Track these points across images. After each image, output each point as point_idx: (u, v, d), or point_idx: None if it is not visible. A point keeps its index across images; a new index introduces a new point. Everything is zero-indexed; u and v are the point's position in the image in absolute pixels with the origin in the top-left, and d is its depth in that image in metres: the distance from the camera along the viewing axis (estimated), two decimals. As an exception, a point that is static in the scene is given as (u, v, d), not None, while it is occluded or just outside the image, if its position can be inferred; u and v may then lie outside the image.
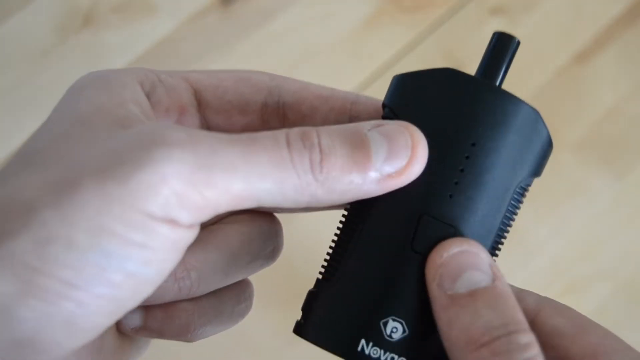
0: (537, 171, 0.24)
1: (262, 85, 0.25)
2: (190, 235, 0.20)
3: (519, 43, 0.24)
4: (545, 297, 0.23)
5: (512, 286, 0.22)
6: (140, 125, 0.21)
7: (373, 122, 0.22)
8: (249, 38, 0.54)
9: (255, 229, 0.24)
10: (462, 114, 0.22)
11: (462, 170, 0.22)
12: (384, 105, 0.24)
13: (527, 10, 0.55)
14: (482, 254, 0.21)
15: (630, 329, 0.48)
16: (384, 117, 0.23)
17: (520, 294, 0.22)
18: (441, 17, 0.55)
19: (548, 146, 0.23)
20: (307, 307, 0.23)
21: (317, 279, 0.23)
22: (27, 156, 0.21)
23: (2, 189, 0.20)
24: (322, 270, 0.23)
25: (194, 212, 0.19)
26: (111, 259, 0.19)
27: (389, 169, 0.21)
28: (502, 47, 0.24)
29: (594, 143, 0.51)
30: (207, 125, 0.25)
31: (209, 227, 0.24)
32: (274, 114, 0.25)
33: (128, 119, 0.21)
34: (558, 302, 0.22)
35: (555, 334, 0.21)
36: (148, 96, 0.24)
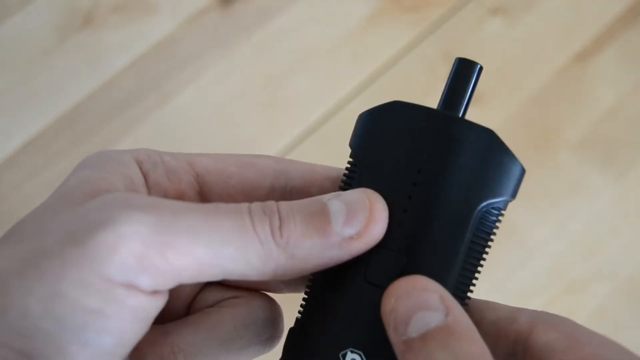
0: (504, 193, 0.22)
1: (268, 169, 0.25)
2: (153, 304, 0.19)
3: (480, 69, 0.24)
4: (541, 312, 0.22)
5: (505, 306, 0.22)
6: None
7: (332, 193, 0.22)
8: (249, 38, 0.54)
9: (251, 314, 0.24)
10: (409, 143, 0.22)
11: (409, 198, 0.22)
12: (349, 145, 0.24)
13: (527, 10, 0.55)
14: (430, 289, 0.20)
15: (630, 329, 0.48)
16: (350, 157, 0.24)
17: (513, 314, 0.22)
18: (441, 17, 0.55)
19: (512, 165, 0.23)
20: (285, 346, 0.23)
21: (297, 318, 0.23)
22: (9, 233, 0.21)
23: None
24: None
25: (155, 276, 0.19)
26: (64, 326, 0.18)
27: (349, 231, 0.21)
28: (461, 74, 0.24)
29: (594, 143, 0.51)
30: None
31: (204, 309, 0.24)
32: (282, 198, 0.25)
33: (106, 190, 0.21)
34: (555, 316, 0.22)
35: (548, 351, 0.20)
36: (146, 176, 0.23)
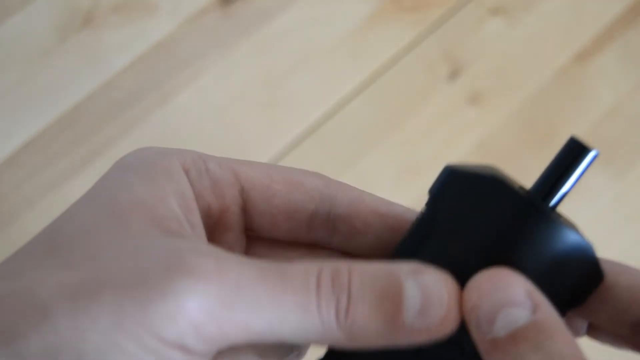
0: (578, 303, 0.21)
1: (315, 192, 0.24)
2: None
3: (595, 156, 0.21)
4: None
5: (612, 262, 0.21)
6: (173, 238, 0.20)
7: (412, 267, 0.20)
8: (249, 38, 0.54)
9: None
10: (491, 226, 0.20)
11: None
12: (429, 192, 0.22)
13: (527, 10, 0.55)
14: (516, 283, 0.19)
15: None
16: (426, 205, 0.22)
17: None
18: (441, 17, 0.55)
19: (597, 279, 0.21)
20: None
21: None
22: (53, 244, 0.20)
23: (21, 281, 0.19)
24: None
25: (209, 343, 0.19)
26: None
27: (420, 324, 0.19)
28: (569, 159, 0.21)
29: (594, 143, 0.51)
30: (249, 225, 0.24)
31: None
32: (323, 224, 0.24)
33: (166, 219, 0.21)
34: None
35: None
36: (192, 187, 0.23)
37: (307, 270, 0.20)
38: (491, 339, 0.19)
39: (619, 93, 0.53)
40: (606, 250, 0.49)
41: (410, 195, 0.48)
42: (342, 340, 0.20)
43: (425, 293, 0.19)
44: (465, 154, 0.50)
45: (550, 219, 0.20)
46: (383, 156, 0.50)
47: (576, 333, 0.23)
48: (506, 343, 0.18)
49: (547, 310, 0.19)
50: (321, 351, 0.26)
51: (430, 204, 0.22)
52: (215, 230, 0.24)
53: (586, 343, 0.22)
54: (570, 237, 0.20)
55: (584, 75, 0.53)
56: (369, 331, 0.19)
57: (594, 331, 0.23)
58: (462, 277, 0.20)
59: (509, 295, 0.19)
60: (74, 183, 0.48)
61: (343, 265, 0.20)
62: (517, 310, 0.19)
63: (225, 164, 0.23)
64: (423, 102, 0.52)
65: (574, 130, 0.51)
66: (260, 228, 0.24)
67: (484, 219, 0.20)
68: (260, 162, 0.24)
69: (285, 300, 0.19)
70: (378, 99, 0.52)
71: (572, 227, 0.21)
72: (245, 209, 0.24)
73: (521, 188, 0.21)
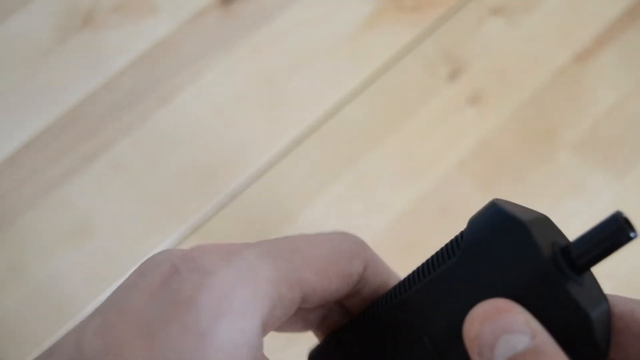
0: None
1: (357, 277, 0.24)
2: None
3: (632, 239, 0.20)
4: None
5: (623, 298, 0.21)
6: None
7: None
8: (249, 38, 0.54)
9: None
10: (506, 285, 0.20)
11: None
12: (469, 222, 0.22)
13: (527, 10, 0.55)
14: (515, 311, 0.20)
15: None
16: (461, 233, 0.22)
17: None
18: (441, 17, 0.55)
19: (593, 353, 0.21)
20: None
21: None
22: None
23: None
24: None
25: None
26: None
27: None
28: (607, 235, 0.21)
29: (594, 143, 0.51)
30: None
31: None
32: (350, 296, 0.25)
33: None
34: None
35: None
36: (264, 320, 0.22)
37: None
38: None
39: (618, 93, 0.53)
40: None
41: (410, 195, 0.48)
42: None
43: None
44: (465, 154, 0.50)
45: (558, 289, 0.20)
46: (383, 156, 0.50)
47: None
48: None
49: (545, 337, 0.19)
50: (313, 340, 0.26)
51: (466, 231, 0.22)
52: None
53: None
54: (573, 311, 0.20)
55: (584, 75, 0.53)
56: None
57: None
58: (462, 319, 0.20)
59: (509, 323, 0.19)
60: (74, 183, 0.48)
61: None
62: (517, 337, 0.19)
63: (295, 284, 0.23)
64: (423, 102, 0.52)
65: (574, 130, 0.51)
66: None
67: (503, 268, 0.20)
68: (320, 254, 0.24)
69: None
70: (378, 99, 0.52)
71: (591, 297, 0.20)
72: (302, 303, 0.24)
73: (555, 245, 0.21)
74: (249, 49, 0.53)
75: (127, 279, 0.22)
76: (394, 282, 0.25)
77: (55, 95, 0.51)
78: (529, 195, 0.48)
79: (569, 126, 0.51)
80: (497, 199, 0.22)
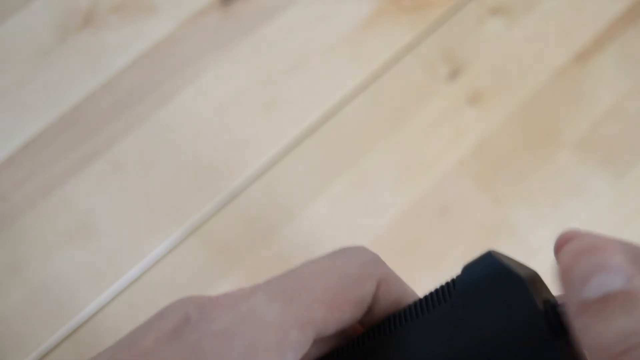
0: None
1: (370, 297, 0.24)
2: None
3: None
4: None
5: None
6: None
7: None
8: (249, 38, 0.54)
9: None
10: (496, 335, 0.20)
11: None
12: (463, 267, 0.22)
13: (527, 10, 0.55)
14: (613, 250, 0.19)
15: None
16: (455, 277, 0.22)
17: None
18: (441, 17, 0.55)
19: None
20: None
21: None
22: None
23: None
24: None
25: None
26: None
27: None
28: None
29: (594, 143, 0.51)
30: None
31: None
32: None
33: None
34: None
35: None
36: None
37: None
38: (581, 300, 0.19)
39: (618, 93, 0.53)
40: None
41: (409, 195, 0.48)
42: None
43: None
44: (465, 154, 0.50)
45: (545, 344, 0.20)
46: (383, 156, 0.50)
47: None
48: (596, 305, 0.18)
49: None
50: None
51: (457, 279, 0.22)
52: None
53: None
54: None
55: (583, 75, 0.53)
56: None
57: None
58: None
59: (607, 261, 0.19)
60: (74, 183, 0.48)
61: None
62: (612, 276, 0.19)
63: (305, 322, 0.22)
64: (423, 102, 0.52)
65: (574, 130, 0.51)
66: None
67: (496, 318, 0.20)
68: (329, 286, 0.23)
69: None
70: (378, 99, 0.52)
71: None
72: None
73: (547, 302, 0.21)
74: (249, 49, 0.53)
75: (146, 320, 0.23)
76: (409, 298, 0.24)
77: (55, 95, 0.51)
78: (529, 195, 0.48)
79: (569, 126, 0.51)
80: (493, 250, 0.22)
